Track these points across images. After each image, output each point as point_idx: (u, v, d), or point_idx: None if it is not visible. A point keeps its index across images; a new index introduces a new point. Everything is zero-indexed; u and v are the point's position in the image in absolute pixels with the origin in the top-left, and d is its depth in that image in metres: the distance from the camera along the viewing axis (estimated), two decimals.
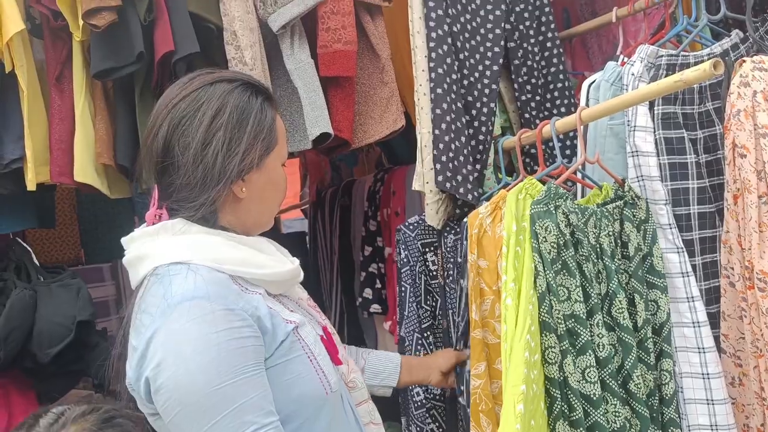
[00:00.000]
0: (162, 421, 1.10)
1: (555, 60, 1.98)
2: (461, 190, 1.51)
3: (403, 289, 1.85)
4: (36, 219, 2.15)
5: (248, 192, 1.20)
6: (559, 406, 1.24)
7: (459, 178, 1.52)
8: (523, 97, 1.95)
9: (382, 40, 1.90)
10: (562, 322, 1.26)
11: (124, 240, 1.21)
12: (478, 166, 1.59)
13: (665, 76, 1.35)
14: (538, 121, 1.98)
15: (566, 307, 1.27)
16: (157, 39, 1.64)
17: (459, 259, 1.59)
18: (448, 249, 1.66)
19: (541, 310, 1.25)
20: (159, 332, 1.05)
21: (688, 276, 1.31)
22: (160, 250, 1.15)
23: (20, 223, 2.10)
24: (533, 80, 1.98)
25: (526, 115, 1.95)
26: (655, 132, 1.35)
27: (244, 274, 1.14)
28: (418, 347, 1.82)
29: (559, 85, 1.99)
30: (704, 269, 1.37)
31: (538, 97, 2.00)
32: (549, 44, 1.98)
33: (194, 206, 1.15)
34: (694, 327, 1.29)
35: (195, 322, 1.04)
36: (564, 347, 1.25)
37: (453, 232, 1.65)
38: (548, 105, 2.00)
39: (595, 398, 1.24)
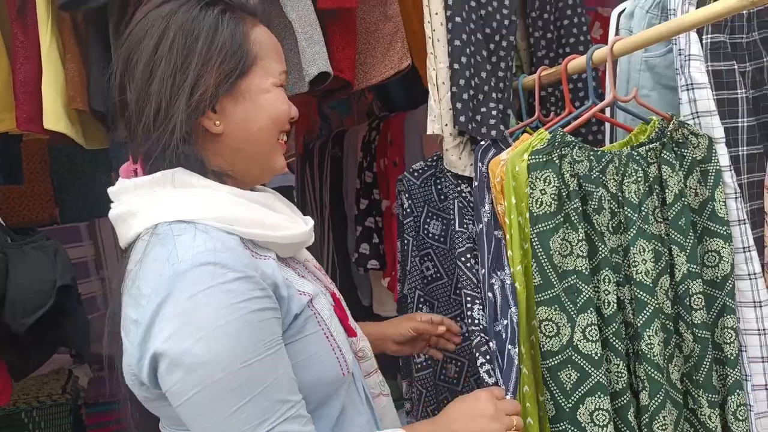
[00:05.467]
0: (162, 404, 0.95)
1: None
2: (483, 130, 1.36)
3: (405, 241, 1.71)
4: (0, 175, 1.95)
5: (226, 125, 1.00)
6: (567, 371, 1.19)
7: (478, 117, 1.37)
8: (536, 34, 1.80)
9: None
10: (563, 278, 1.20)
11: (111, 190, 1.02)
12: (501, 106, 1.43)
13: None
14: (547, 61, 1.84)
15: (568, 262, 1.19)
16: None
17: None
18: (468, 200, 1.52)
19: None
20: (167, 302, 0.88)
21: (745, 224, 1.19)
22: (159, 204, 0.96)
23: None
24: (545, 15, 1.83)
25: (539, 54, 1.81)
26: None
27: (257, 237, 0.98)
28: (420, 305, 1.69)
29: (576, 20, 1.84)
30: (752, 217, 1.25)
31: (549, 34, 1.85)
32: None
33: (163, 155, 0.97)
34: (750, 279, 1.18)
35: (211, 291, 0.87)
36: (565, 306, 1.19)
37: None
38: (562, 41, 1.85)
39: (596, 358, 1.17)
